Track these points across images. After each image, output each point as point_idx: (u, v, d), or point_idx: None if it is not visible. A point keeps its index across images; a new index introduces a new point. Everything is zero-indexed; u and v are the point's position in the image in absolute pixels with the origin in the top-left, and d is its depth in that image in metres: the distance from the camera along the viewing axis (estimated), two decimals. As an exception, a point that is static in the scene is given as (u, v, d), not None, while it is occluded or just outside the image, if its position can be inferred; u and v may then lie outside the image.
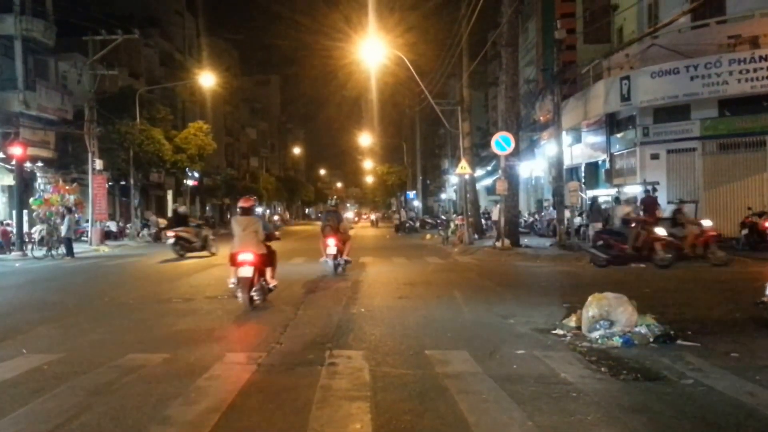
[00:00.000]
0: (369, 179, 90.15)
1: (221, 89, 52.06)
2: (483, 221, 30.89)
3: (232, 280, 10.39)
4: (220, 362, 6.69)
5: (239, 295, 10.14)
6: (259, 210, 71.82)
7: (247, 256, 10.09)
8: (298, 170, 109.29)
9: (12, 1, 28.66)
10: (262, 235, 10.39)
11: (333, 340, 7.69)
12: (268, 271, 10.68)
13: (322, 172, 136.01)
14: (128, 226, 35.01)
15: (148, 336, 8.28)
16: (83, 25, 29.84)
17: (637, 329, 7.42)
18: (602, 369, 6.24)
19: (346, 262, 15.42)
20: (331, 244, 14.77)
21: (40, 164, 30.06)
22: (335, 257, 14.88)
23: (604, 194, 23.01)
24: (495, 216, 31.78)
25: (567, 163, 24.49)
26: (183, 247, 21.78)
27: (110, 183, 35.09)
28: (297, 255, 22.62)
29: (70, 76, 33.84)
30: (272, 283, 10.79)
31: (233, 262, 10.28)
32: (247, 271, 10.03)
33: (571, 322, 8.08)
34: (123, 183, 37.06)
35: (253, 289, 10.15)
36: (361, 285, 13.40)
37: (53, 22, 31.07)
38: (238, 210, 10.81)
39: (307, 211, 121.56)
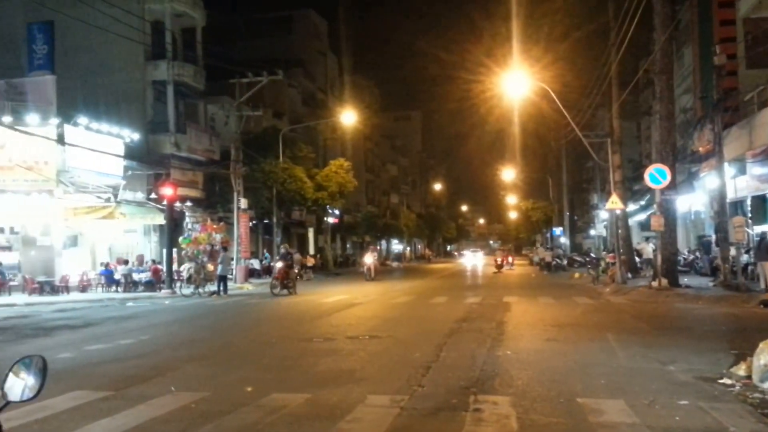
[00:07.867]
0: (513, 215, 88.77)
1: (362, 126, 52.99)
2: (637, 259, 29.26)
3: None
4: (362, 404, 6.60)
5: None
6: (399, 246, 74.67)
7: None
8: (439, 206, 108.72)
9: (165, 48, 30.74)
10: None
11: (477, 385, 7.42)
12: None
13: (464, 208, 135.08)
14: (271, 264, 36.21)
15: (290, 375, 8.36)
16: (230, 68, 31.44)
17: (819, 380, 6.63)
18: (779, 424, 5.65)
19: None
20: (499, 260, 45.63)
21: (188, 204, 31.38)
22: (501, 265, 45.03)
23: (774, 230, 20.92)
24: (648, 254, 30.11)
25: (730, 196, 22.66)
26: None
27: (254, 221, 36.41)
28: (438, 294, 22.45)
29: (217, 117, 35.74)
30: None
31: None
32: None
33: (740, 370, 7.46)
34: (266, 221, 38.39)
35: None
36: (506, 326, 13.03)
37: (203, 67, 33.02)
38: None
39: (449, 248, 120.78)
